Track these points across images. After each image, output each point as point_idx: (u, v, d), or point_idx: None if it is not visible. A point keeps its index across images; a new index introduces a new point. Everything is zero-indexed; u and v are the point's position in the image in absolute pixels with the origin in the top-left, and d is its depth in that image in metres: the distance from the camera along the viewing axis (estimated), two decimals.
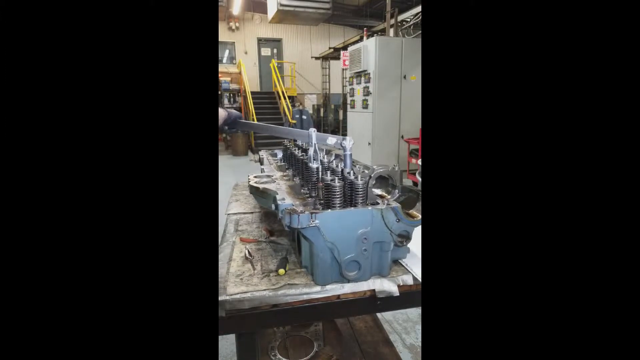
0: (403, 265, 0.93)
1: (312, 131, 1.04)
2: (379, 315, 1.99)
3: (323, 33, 13.16)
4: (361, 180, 0.87)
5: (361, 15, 11.43)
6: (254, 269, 0.94)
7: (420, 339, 2.07)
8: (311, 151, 1.06)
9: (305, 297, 0.84)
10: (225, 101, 11.03)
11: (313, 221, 0.78)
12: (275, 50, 13.75)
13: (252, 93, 10.48)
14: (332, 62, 11.96)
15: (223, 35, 12.69)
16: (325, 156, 1.15)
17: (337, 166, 1.04)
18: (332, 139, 1.06)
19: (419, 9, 8.02)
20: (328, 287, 0.85)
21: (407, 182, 5.27)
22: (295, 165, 1.33)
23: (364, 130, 6.18)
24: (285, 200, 0.85)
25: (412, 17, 8.36)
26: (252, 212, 1.44)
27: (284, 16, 7.36)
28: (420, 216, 0.85)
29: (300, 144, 1.44)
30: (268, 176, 1.27)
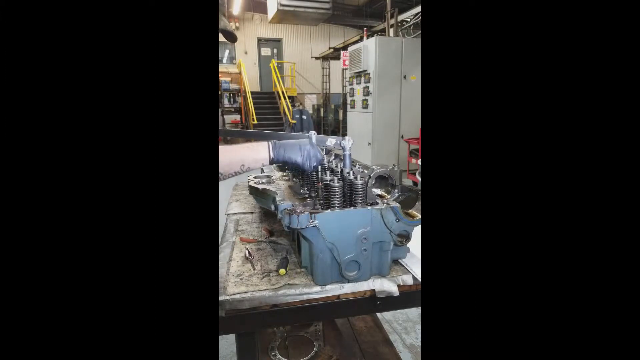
0: (403, 265, 0.93)
1: (312, 134, 1.05)
2: (379, 315, 1.99)
3: (323, 33, 13.15)
4: (360, 180, 0.87)
5: (361, 15, 11.43)
6: (254, 269, 0.94)
7: (420, 339, 2.07)
8: None
9: (305, 297, 0.84)
10: (225, 101, 11.03)
11: (312, 221, 0.78)
12: (275, 50, 13.74)
13: (252, 93, 10.49)
14: (332, 62, 11.95)
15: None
16: (325, 156, 1.15)
17: (336, 166, 1.04)
18: (331, 140, 1.06)
19: (419, 9, 8.02)
20: (328, 287, 0.85)
21: (407, 182, 5.27)
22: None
23: (364, 130, 6.18)
24: (285, 200, 0.85)
25: (412, 17, 8.36)
26: (252, 212, 1.44)
27: (284, 16, 7.37)
28: (419, 216, 0.86)
29: None
30: (267, 176, 1.28)
